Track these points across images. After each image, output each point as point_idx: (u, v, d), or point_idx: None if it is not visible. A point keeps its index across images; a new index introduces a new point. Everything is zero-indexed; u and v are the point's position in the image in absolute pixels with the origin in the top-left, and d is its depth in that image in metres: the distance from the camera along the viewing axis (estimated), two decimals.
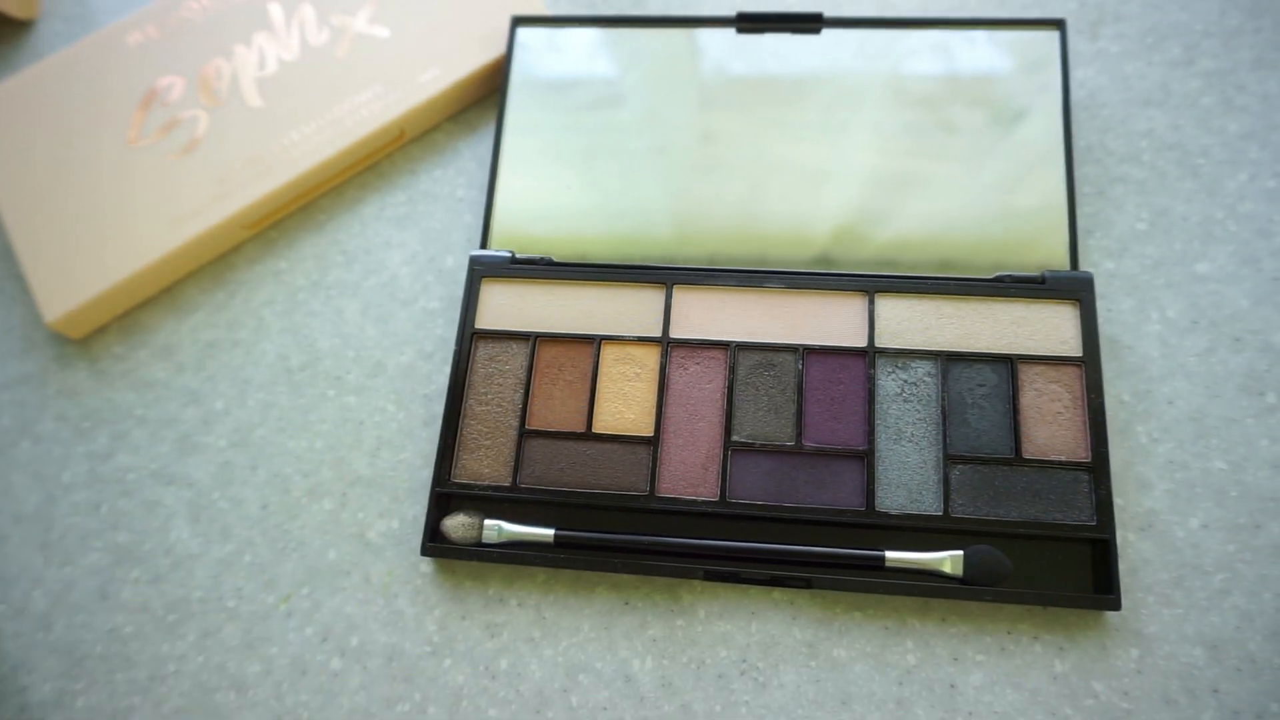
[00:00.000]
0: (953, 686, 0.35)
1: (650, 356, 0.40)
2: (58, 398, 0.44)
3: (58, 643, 0.39)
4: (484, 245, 0.43)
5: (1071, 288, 0.39)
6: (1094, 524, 0.35)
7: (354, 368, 0.43)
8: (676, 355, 0.40)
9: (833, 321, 0.40)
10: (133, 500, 0.41)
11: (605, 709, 0.36)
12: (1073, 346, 0.38)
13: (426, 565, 0.39)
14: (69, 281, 0.43)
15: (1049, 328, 0.38)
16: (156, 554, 0.40)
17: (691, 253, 0.42)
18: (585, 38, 0.46)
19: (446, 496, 0.39)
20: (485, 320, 0.41)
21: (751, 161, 0.43)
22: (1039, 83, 0.42)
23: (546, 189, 0.44)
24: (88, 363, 0.44)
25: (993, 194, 0.41)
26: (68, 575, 0.40)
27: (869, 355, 0.39)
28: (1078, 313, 0.38)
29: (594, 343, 0.40)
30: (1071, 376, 0.38)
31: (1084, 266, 0.41)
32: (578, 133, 0.44)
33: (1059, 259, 0.40)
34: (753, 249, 0.42)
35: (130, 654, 0.39)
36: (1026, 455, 0.37)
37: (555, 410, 0.40)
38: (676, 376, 0.39)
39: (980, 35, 0.44)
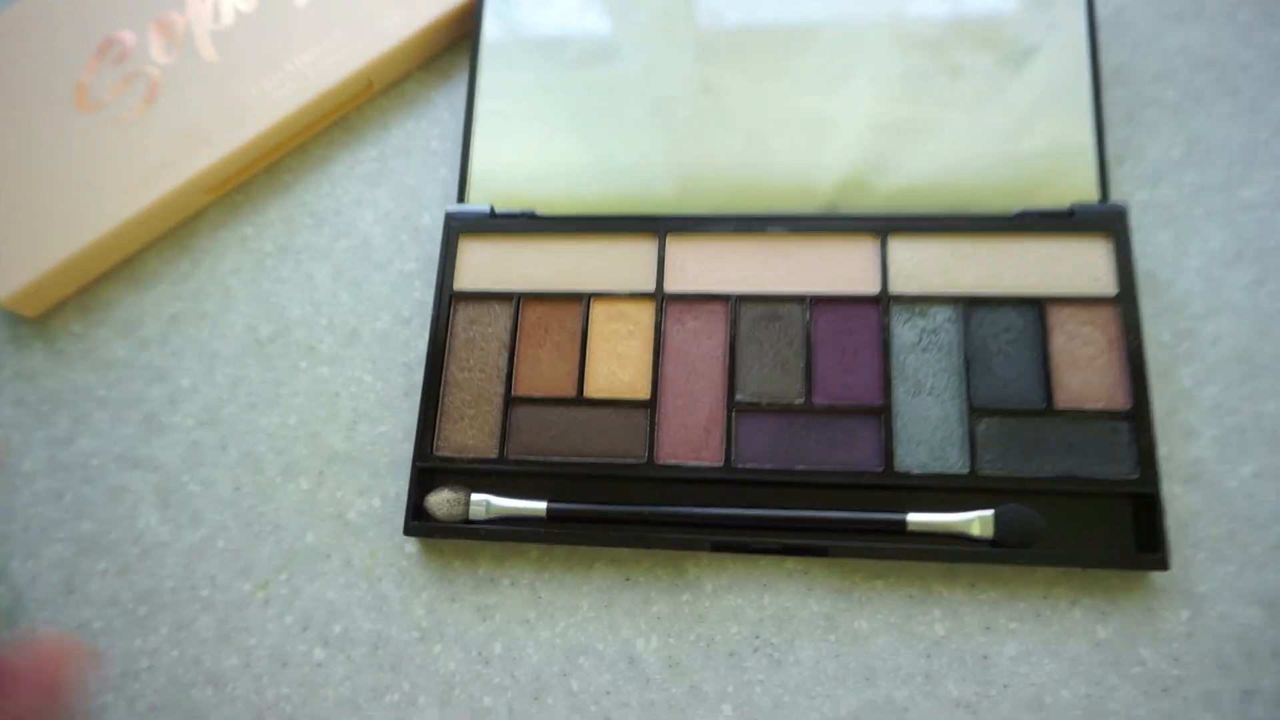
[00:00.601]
0: (985, 657, 0.32)
1: (644, 313, 0.37)
2: (14, 381, 0.41)
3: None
4: (462, 199, 0.40)
5: (1103, 220, 0.35)
6: (1136, 477, 0.32)
7: (327, 337, 0.40)
8: (673, 310, 0.37)
9: (842, 267, 0.36)
10: (97, 487, 0.39)
11: (608, 693, 0.33)
12: (1106, 284, 0.35)
13: (411, 545, 0.36)
14: (20, 256, 0.40)
15: (1079, 265, 0.35)
16: (124, 543, 0.38)
17: (692, 210, 0.38)
18: None
19: (430, 471, 0.36)
20: (465, 281, 0.38)
21: (752, 113, 0.39)
22: (1059, 6, 0.38)
23: (529, 142, 0.40)
24: (44, 343, 0.42)
25: (1010, 128, 0.37)
26: (31, 569, 0.38)
27: (882, 302, 0.35)
28: (1111, 247, 0.35)
29: (583, 300, 0.37)
30: (1106, 317, 0.34)
31: (1115, 198, 0.37)
32: (565, 87, 0.41)
33: (1087, 192, 0.36)
34: (758, 204, 0.38)
35: (100, 649, 0.36)
36: (1059, 404, 0.33)
37: (543, 374, 0.36)
38: (673, 333, 0.36)
39: None
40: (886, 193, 0.37)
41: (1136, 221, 0.37)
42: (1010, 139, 0.37)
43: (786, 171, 0.38)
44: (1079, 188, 0.36)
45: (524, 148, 0.40)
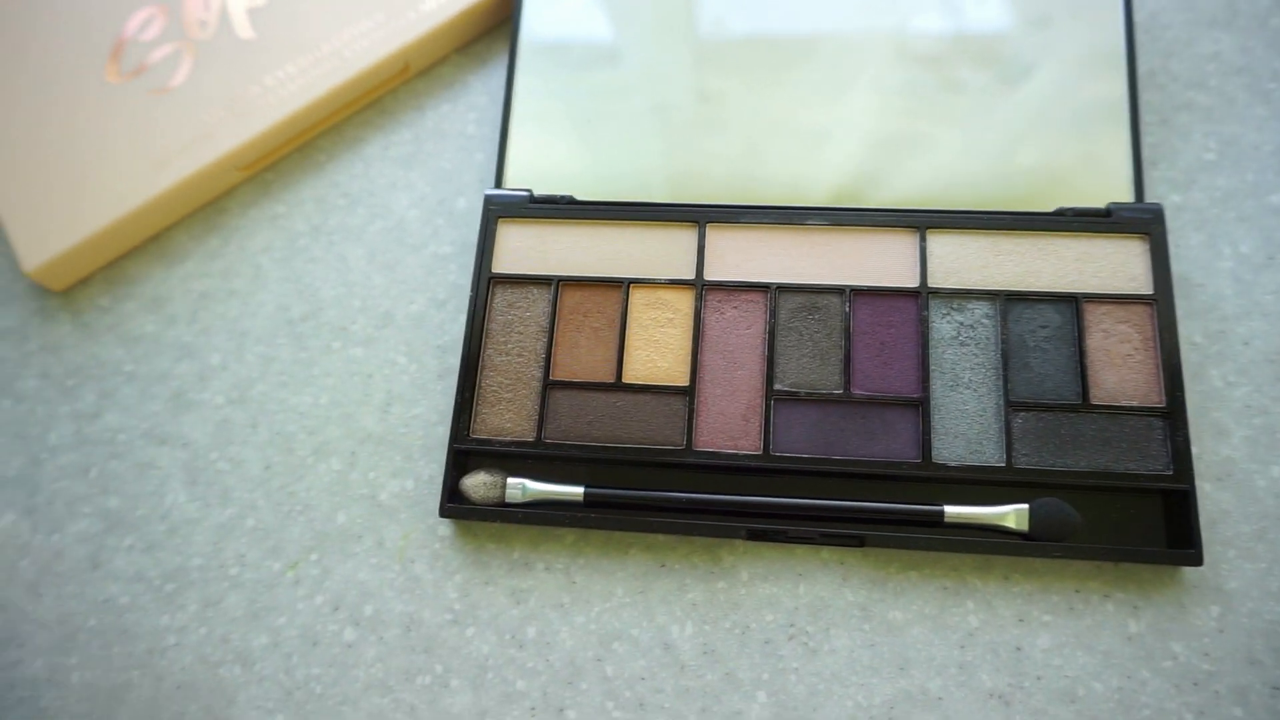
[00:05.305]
0: (1019, 649, 0.32)
1: (683, 300, 0.37)
2: (40, 353, 0.40)
3: (47, 615, 0.36)
4: (499, 184, 0.40)
5: (1140, 220, 0.36)
6: (1170, 473, 0.33)
7: (360, 318, 0.40)
8: (712, 298, 0.37)
9: (881, 260, 0.37)
10: (124, 462, 0.38)
11: (643, 679, 0.33)
12: (1143, 283, 0.35)
13: (445, 528, 0.36)
14: (48, 229, 0.40)
15: (1116, 264, 0.35)
16: (151, 519, 0.37)
17: None
18: None
19: (465, 454, 0.36)
20: (503, 264, 0.38)
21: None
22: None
23: (565, 133, 0.40)
24: (71, 315, 0.41)
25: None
26: (56, 543, 0.37)
27: (922, 296, 0.36)
28: (1147, 247, 0.35)
29: (622, 286, 0.37)
30: (1142, 316, 0.35)
31: (1148, 200, 0.38)
32: (578, 88, 0.41)
33: (1121, 194, 0.37)
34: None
35: (126, 626, 0.36)
36: (1094, 401, 0.34)
37: (581, 359, 0.36)
38: (713, 321, 0.36)
39: None
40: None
41: (1169, 224, 0.37)
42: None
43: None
44: (1111, 186, 0.37)
45: (560, 139, 0.40)
